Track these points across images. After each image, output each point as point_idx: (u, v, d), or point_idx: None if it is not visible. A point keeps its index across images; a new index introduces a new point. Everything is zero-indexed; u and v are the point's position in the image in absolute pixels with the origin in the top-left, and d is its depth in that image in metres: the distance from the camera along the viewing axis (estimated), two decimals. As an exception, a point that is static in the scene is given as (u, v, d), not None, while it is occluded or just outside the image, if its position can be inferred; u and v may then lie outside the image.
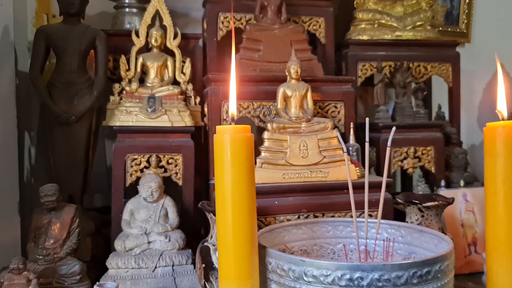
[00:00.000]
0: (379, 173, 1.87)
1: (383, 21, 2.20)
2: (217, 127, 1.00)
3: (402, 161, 1.93)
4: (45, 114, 1.72)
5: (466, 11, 2.58)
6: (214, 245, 1.30)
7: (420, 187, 1.86)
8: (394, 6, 2.22)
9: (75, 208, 1.52)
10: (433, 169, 1.95)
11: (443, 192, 1.67)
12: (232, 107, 1.03)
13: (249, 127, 1.00)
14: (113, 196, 1.66)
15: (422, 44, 2.18)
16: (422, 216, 1.38)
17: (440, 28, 2.32)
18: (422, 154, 1.94)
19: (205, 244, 1.34)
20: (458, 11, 2.59)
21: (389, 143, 1.13)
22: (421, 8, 2.22)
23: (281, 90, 1.64)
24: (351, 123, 1.74)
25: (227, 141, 0.98)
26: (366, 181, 1.17)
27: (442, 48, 2.22)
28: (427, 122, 1.95)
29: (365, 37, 2.14)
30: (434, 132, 1.96)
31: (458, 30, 2.59)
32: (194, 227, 1.74)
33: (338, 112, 1.82)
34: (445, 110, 2.26)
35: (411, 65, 2.16)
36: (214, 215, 1.30)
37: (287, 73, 1.66)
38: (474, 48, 2.64)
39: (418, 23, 2.20)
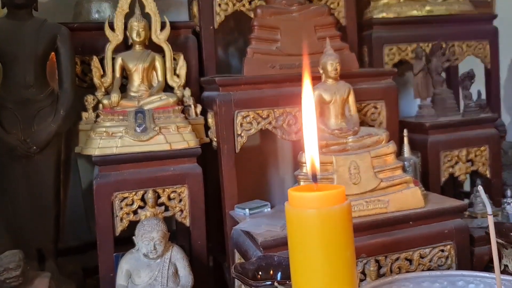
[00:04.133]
0: (427, 185, 1.51)
1: (409, -6, 1.81)
2: (292, 193, 0.60)
3: (453, 166, 1.57)
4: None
5: (490, -24, 2.21)
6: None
7: (479, 198, 1.51)
8: (419, -26, 1.83)
9: (49, 278, 1.10)
10: (488, 174, 1.60)
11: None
12: (310, 154, 0.63)
13: (343, 188, 0.61)
14: (100, 250, 1.23)
15: (457, 19, 1.81)
16: (531, 260, 1.03)
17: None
18: (475, 156, 1.59)
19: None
20: (480, -23, 2.22)
21: (488, 210, 0.71)
22: (450, -25, 1.85)
23: (316, 94, 1.23)
24: (405, 130, 1.35)
25: (315, 221, 0.58)
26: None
27: (478, 23, 1.87)
28: (478, 117, 1.60)
29: (391, 15, 1.76)
30: (487, 128, 1.61)
31: (481, -1, 2.23)
32: (209, 276, 1.35)
33: (379, 113, 1.44)
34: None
35: (443, 45, 1.79)
36: (260, 291, 0.91)
37: (321, 71, 1.26)
38: (497, 19, 2.29)
39: (449, -6, 1.83)
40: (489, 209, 0.64)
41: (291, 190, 0.61)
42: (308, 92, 0.63)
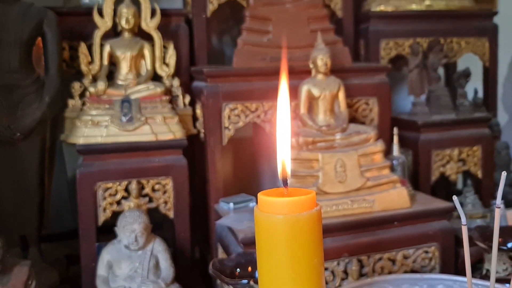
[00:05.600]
0: (417, 184, 1.49)
1: (408, -13, 1.77)
2: (261, 197, 0.58)
3: (444, 165, 1.55)
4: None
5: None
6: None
7: (469, 199, 1.50)
8: (419, -33, 1.79)
9: (28, 266, 1.09)
10: (479, 174, 1.58)
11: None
12: (281, 157, 0.61)
13: (313, 193, 0.59)
14: (82, 240, 1.23)
15: (456, 15, 1.78)
16: (514, 265, 1.02)
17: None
18: (467, 156, 1.57)
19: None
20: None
21: (498, 200, 0.70)
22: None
23: (305, 89, 1.21)
24: (395, 128, 1.33)
25: (282, 227, 0.56)
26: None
27: (477, 19, 1.83)
28: (472, 117, 1.57)
29: (389, 8, 1.72)
30: (481, 128, 1.58)
31: (483, -5, 2.19)
32: (192, 268, 1.34)
33: (370, 110, 1.42)
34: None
35: (441, 41, 1.76)
36: (236, 289, 0.90)
37: (311, 66, 1.24)
38: (498, 16, 2.25)
39: (450, -11, 1.79)
40: (463, 219, 0.62)
41: (261, 194, 0.59)
42: (284, 91, 0.61)
